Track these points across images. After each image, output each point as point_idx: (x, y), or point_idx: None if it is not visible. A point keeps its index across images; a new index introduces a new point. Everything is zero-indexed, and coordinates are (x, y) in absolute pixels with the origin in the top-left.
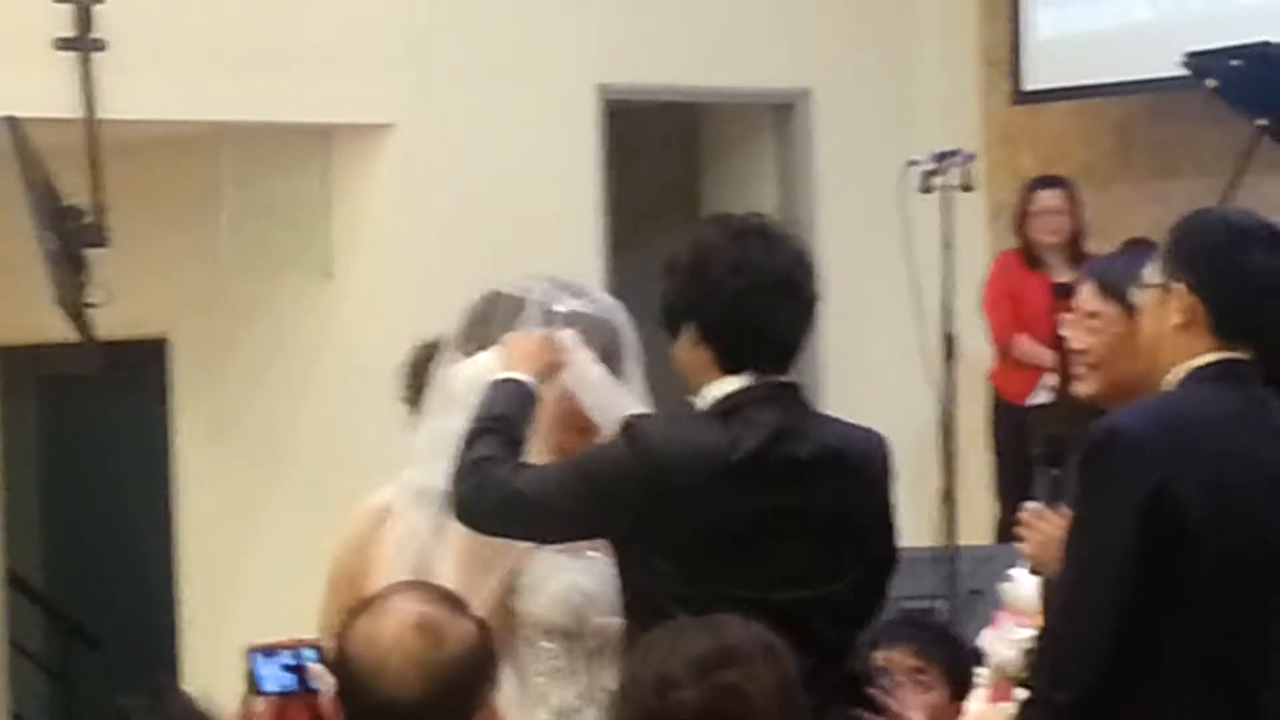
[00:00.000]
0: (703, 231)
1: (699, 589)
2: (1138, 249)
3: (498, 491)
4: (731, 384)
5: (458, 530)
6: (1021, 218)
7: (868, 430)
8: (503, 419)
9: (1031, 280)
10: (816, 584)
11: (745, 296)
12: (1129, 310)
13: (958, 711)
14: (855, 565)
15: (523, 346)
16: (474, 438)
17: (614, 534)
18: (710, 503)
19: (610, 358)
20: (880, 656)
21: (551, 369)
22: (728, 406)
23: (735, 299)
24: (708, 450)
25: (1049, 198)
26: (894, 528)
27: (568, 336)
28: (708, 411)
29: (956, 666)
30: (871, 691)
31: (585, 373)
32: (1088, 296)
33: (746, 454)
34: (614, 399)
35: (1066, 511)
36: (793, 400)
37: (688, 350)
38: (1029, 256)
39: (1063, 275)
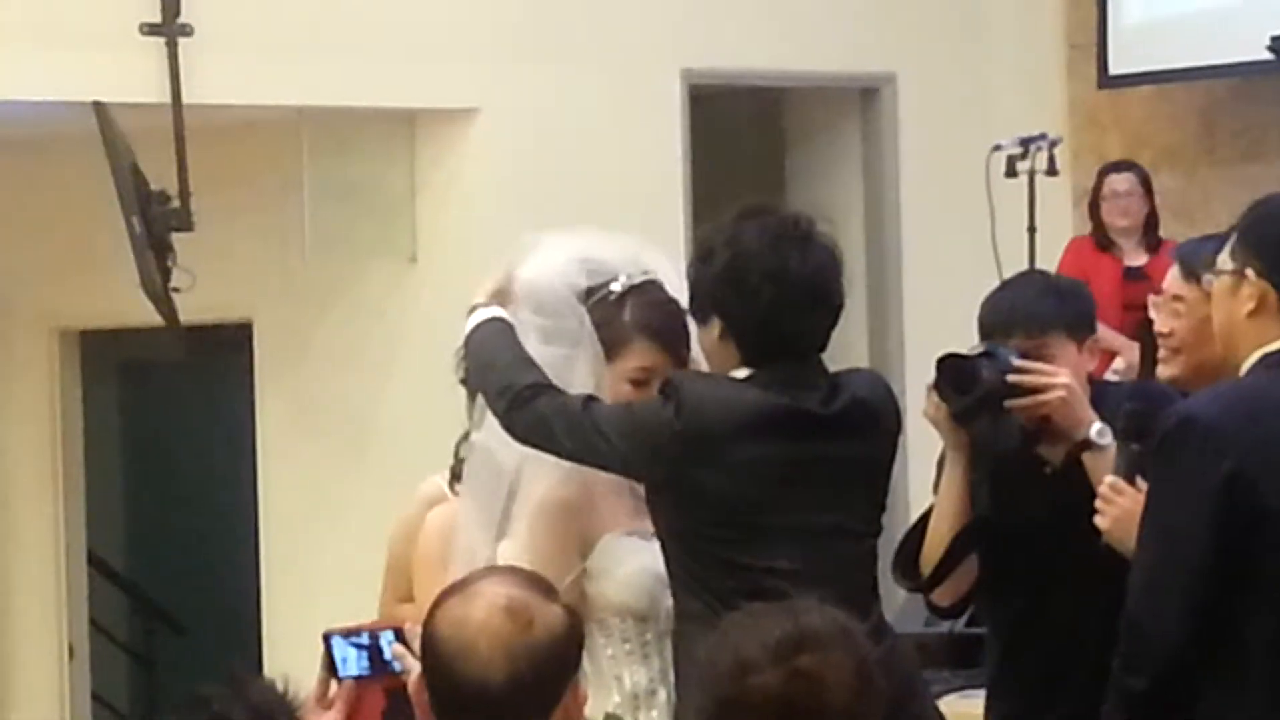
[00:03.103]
0: (741, 231)
1: (737, 525)
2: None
3: (568, 418)
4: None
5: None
6: (1094, 202)
7: (883, 384)
8: (521, 352)
9: (1103, 263)
10: (851, 513)
11: (777, 304)
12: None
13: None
14: (885, 497)
15: (485, 280)
16: (509, 368)
17: (651, 477)
18: (745, 454)
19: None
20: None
21: (502, 294)
22: (763, 381)
23: (768, 307)
24: (745, 404)
25: (1117, 181)
26: None
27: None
28: (742, 380)
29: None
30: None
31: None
32: (1172, 280)
33: (783, 409)
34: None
35: (1145, 486)
36: (819, 375)
37: (713, 341)
38: (1101, 240)
39: (1135, 259)
